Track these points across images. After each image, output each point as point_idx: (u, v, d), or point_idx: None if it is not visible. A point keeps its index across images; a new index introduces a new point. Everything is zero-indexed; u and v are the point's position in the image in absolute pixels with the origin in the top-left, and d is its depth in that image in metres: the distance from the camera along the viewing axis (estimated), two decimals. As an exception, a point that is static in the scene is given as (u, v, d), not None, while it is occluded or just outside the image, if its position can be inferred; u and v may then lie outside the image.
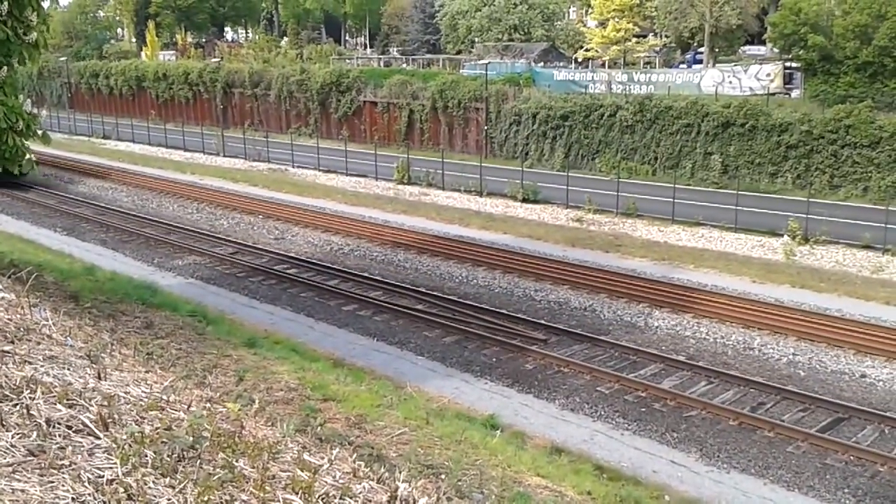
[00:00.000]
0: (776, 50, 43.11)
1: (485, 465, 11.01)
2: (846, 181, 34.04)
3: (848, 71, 36.86)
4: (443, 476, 10.29)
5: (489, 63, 48.74)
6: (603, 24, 54.65)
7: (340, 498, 3.30)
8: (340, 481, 3.52)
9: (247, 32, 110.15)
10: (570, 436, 14.92)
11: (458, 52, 66.68)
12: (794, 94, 40.52)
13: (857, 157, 33.99)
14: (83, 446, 3.30)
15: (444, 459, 10.95)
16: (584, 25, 65.15)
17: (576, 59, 55.92)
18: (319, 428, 9.11)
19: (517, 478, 11.01)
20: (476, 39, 65.83)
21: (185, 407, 4.24)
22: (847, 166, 34.29)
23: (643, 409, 16.13)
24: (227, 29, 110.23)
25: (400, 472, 4.04)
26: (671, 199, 32.18)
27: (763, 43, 52.85)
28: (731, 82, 42.02)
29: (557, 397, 16.69)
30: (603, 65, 52.57)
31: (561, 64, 55.47)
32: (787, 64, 41.40)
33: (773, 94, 40.18)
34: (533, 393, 16.90)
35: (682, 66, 51.39)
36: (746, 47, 55.24)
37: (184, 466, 3.24)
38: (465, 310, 21.65)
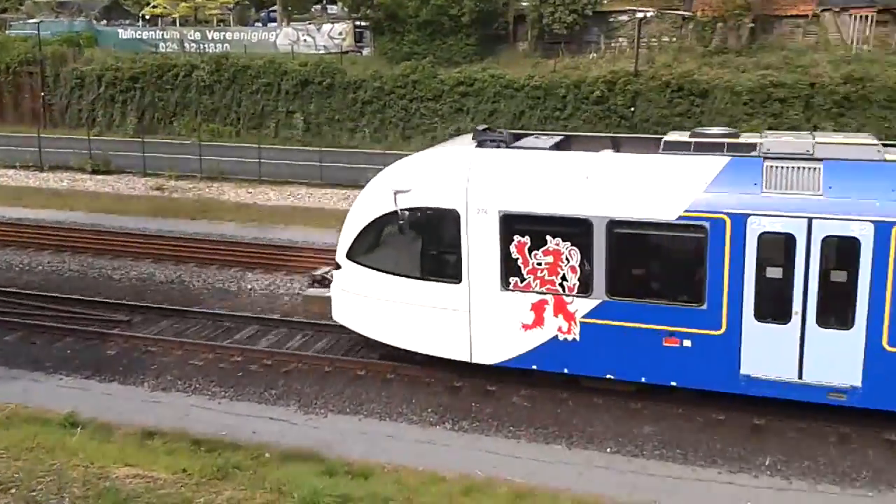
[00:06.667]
0: (346, 10, 44.45)
1: (64, 468, 10.15)
2: (416, 132, 36.37)
3: (411, 30, 39.28)
4: (13, 491, 9.32)
5: (42, 22, 44.37)
6: (170, -19, 51.77)
7: None
8: None
9: None
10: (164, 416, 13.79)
11: (4, 11, 59.04)
12: (366, 52, 42.27)
13: (424, 110, 36.60)
14: None
15: (13, 473, 9.89)
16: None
17: (143, 17, 52.37)
18: None
19: (102, 473, 10.23)
20: (25, -5, 58.66)
21: None
22: (416, 119, 36.74)
23: (240, 374, 15.49)
24: None
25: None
26: (257, 160, 31.69)
27: (335, 2, 54.30)
28: (305, 41, 42.56)
29: (147, 379, 15.32)
30: (173, 22, 50.00)
31: (127, 22, 51.63)
32: (358, 23, 42.96)
33: (346, 52, 41.52)
34: (118, 380, 15.32)
35: (257, 24, 50.93)
36: (320, 6, 56.36)
37: None
38: (28, 301, 19.04)
